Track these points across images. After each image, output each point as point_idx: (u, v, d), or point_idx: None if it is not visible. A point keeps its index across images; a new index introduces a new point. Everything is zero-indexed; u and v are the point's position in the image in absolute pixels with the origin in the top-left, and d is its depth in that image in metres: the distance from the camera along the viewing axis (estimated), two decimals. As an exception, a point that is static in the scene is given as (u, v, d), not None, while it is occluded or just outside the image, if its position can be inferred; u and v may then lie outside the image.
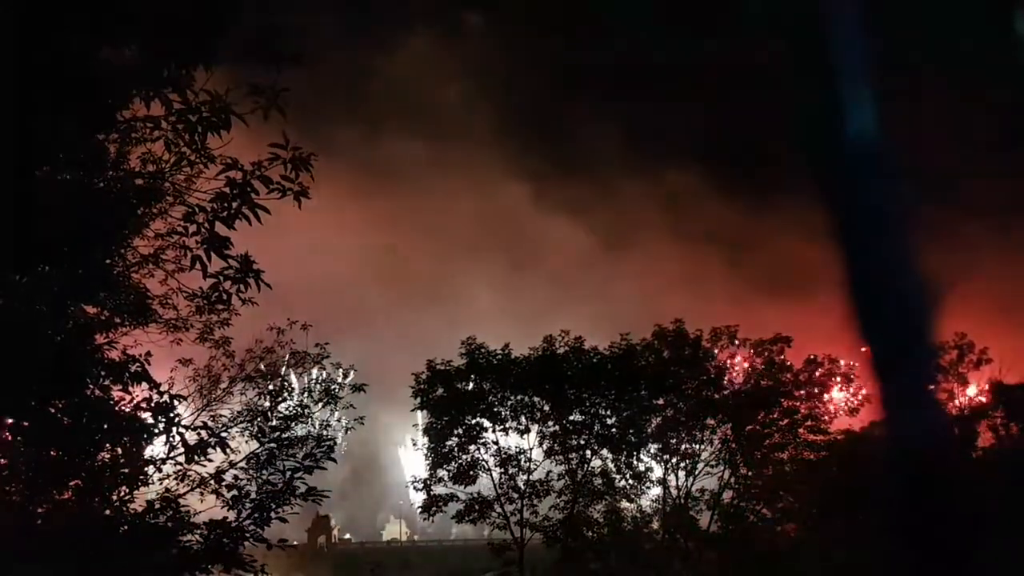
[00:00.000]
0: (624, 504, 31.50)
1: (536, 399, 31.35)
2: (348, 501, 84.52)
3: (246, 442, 12.86)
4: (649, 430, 31.73)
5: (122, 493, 9.87)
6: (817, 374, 31.89)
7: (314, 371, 17.17)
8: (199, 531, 9.84)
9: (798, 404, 31.44)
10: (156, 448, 10.20)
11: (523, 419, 31.27)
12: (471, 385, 31.26)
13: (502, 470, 30.95)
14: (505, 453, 31.04)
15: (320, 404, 16.50)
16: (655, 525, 31.61)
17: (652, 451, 31.58)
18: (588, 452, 31.32)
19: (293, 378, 17.10)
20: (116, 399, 8.90)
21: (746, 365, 32.43)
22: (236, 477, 11.13)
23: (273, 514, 10.85)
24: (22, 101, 6.76)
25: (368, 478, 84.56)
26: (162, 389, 9.38)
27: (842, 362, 31.87)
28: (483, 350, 31.32)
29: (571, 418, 31.36)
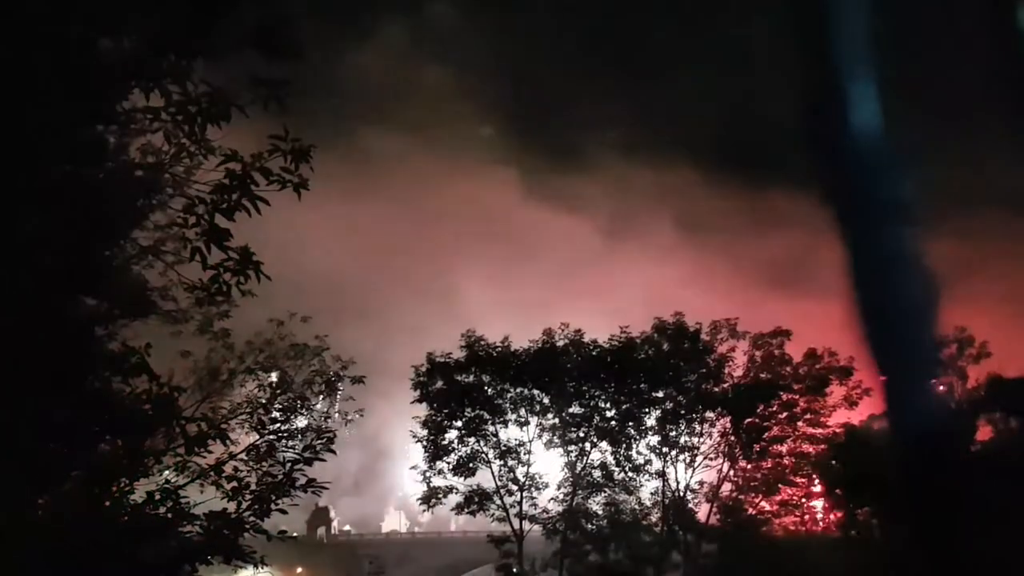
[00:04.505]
0: (623, 496, 31.62)
1: (535, 392, 31.44)
2: (360, 493, 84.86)
3: (246, 434, 12.87)
4: (648, 423, 31.82)
5: (122, 484, 9.89)
6: (817, 367, 31.91)
7: (314, 362, 17.17)
8: (199, 522, 9.84)
9: (797, 397, 31.48)
10: (156, 440, 10.21)
11: (522, 411, 31.38)
12: (471, 378, 31.34)
13: (501, 462, 31.06)
14: (504, 445, 31.14)
15: (320, 396, 16.51)
16: (654, 517, 31.71)
17: (651, 444, 31.67)
18: (587, 445, 31.43)
19: (292, 370, 17.09)
20: (116, 391, 8.90)
21: (745, 358, 32.46)
22: (236, 469, 11.13)
23: (273, 506, 10.87)
24: (21, 92, 6.74)
25: (380, 470, 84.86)
26: (162, 381, 9.37)
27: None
28: (483, 343, 31.40)
29: (570, 411, 31.47)
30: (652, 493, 31.86)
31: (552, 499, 31.21)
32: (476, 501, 30.87)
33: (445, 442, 31.07)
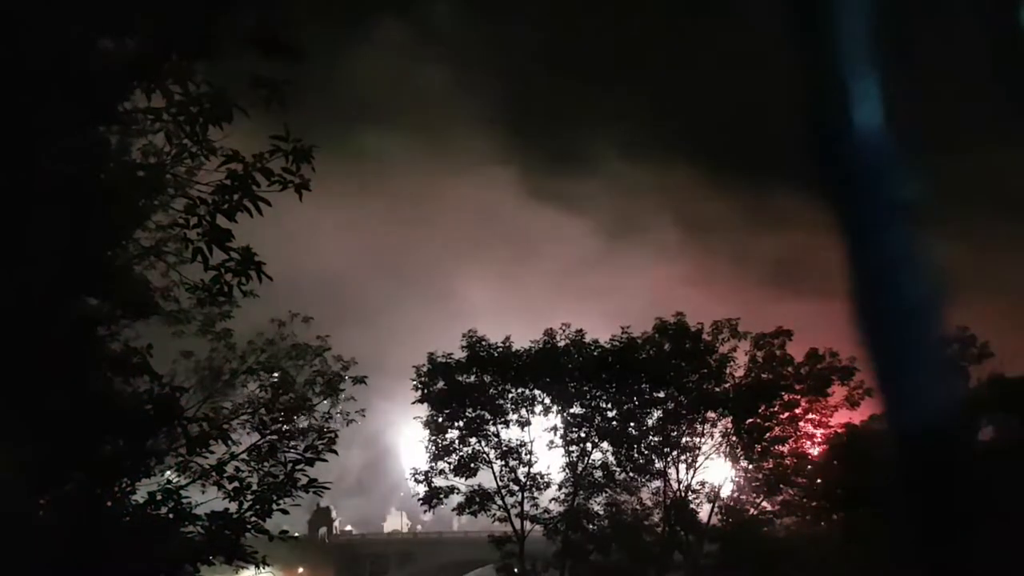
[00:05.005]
0: (624, 497, 31.61)
1: (537, 392, 31.42)
2: (362, 493, 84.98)
3: (247, 434, 12.89)
4: (650, 423, 31.80)
5: (124, 485, 9.90)
6: (818, 367, 31.86)
7: (315, 363, 17.19)
8: (201, 522, 9.86)
9: (799, 397, 31.45)
10: (158, 440, 10.22)
11: (524, 412, 31.37)
12: (472, 378, 31.33)
13: (503, 463, 31.05)
14: (506, 446, 31.13)
15: (321, 396, 16.54)
16: (655, 518, 31.69)
17: (652, 444, 31.65)
18: (589, 445, 31.40)
19: (294, 370, 17.12)
20: (118, 391, 8.91)
21: (747, 358, 32.41)
22: (238, 469, 11.13)
23: (274, 506, 10.88)
24: (23, 93, 6.74)
25: (381, 470, 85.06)
26: (163, 381, 9.40)
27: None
28: (484, 343, 31.38)
29: (572, 411, 31.45)
30: (653, 493, 31.83)
31: (553, 499, 31.21)
32: (477, 501, 30.86)
33: (446, 442, 31.08)
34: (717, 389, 31.82)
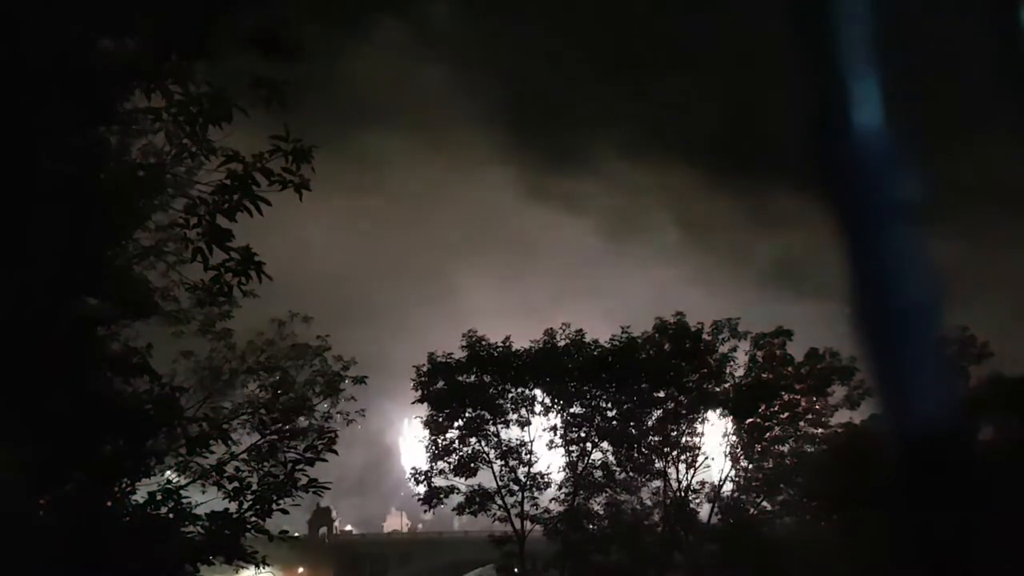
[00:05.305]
0: (624, 497, 31.62)
1: (537, 392, 31.44)
2: (362, 493, 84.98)
3: (247, 434, 12.90)
4: (650, 423, 31.81)
5: (124, 485, 9.90)
6: (818, 367, 31.86)
7: (315, 363, 17.21)
8: (201, 523, 9.85)
9: (799, 397, 31.44)
10: (158, 440, 10.22)
11: (524, 412, 31.38)
12: (472, 378, 31.35)
13: (503, 462, 31.06)
14: (506, 445, 31.15)
15: (321, 396, 16.55)
16: (655, 518, 31.70)
17: (652, 444, 31.65)
18: (589, 445, 31.42)
19: (294, 370, 17.13)
20: (118, 391, 8.91)
21: (747, 358, 32.42)
22: (238, 469, 11.13)
23: (274, 506, 10.87)
24: (23, 93, 6.74)
25: (382, 470, 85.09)
26: (163, 381, 9.40)
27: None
28: (484, 343, 31.40)
29: (572, 411, 31.46)
30: (653, 493, 31.85)
31: (553, 499, 31.23)
32: (477, 501, 30.89)
33: (446, 442, 31.09)
34: (717, 389, 31.84)
